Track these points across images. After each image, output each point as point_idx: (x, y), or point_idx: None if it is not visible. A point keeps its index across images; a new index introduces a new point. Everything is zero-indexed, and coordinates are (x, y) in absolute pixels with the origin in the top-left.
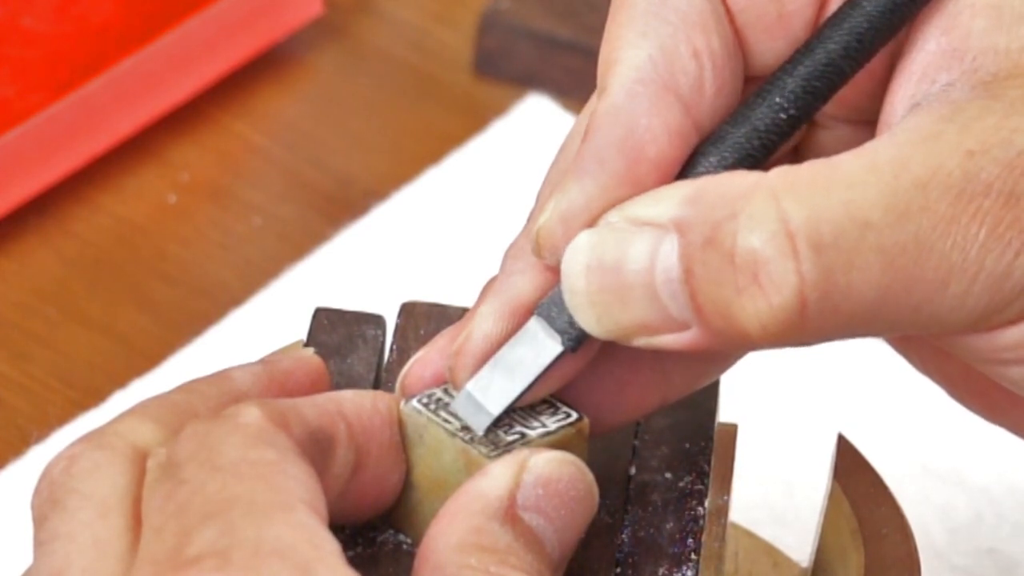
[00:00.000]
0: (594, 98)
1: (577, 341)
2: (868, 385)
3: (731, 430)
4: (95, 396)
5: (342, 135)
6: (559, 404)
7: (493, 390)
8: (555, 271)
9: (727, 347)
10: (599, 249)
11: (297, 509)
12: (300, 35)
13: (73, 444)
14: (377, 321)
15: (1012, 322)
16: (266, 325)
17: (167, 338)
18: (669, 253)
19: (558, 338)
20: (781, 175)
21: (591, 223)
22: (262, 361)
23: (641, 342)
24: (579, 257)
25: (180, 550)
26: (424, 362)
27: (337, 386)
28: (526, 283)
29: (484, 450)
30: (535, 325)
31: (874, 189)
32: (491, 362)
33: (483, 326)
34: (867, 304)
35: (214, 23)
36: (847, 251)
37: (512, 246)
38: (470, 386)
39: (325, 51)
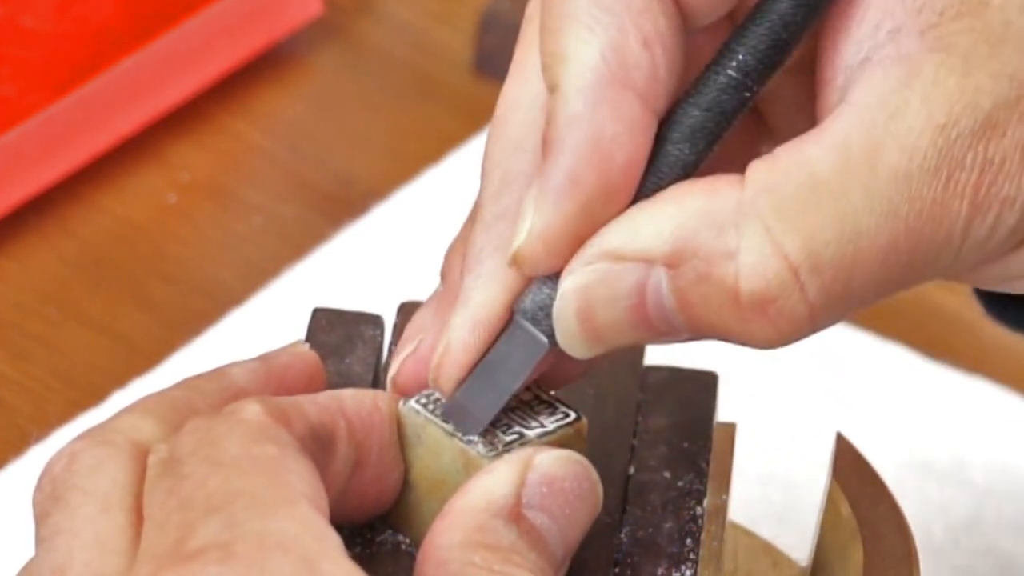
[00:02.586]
0: (516, 70)
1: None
2: (867, 384)
3: (730, 429)
4: (95, 396)
5: (342, 135)
6: (557, 404)
7: (482, 397)
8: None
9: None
10: (586, 294)
11: (299, 503)
12: (300, 35)
13: (74, 441)
14: (376, 321)
15: (999, 259)
16: (266, 325)
17: (167, 338)
18: (659, 286)
19: (543, 337)
20: (763, 195)
21: (574, 241)
22: (259, 357)
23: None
24: (569, 306)
25: (183, 543)
26: (417, 359)
27: (336, 386)
28: (498, 287)
29: (483, 450)
30: (519, 326)
31: (858, 194)
32: (478, 369)
33: (460, 336)
34: (869, 294)
35: (214, 23)
36: (847, 264)
37: (471, 252)
38: (459, 396)
39: (325, 51)
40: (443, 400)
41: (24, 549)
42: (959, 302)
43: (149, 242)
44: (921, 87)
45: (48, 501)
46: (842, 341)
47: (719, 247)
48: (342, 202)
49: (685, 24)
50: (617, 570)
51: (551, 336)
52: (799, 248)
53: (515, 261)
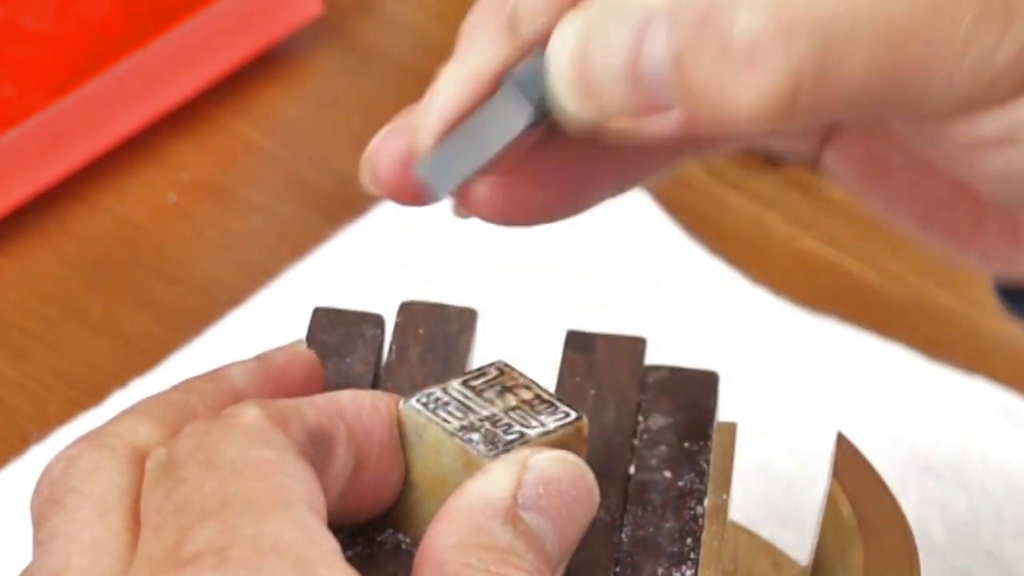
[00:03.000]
0: None
1: (547, 113)
2: (867, 384)
3: (730, 429)
4: (95, 396)
5: (342, 135)
6: (558, 403)
7: (457, 158)
8: (527, 43)
9: (709, 131)
10: (585, 33)
11: (296, 507)
12: (300, 35)
13: (72, 444)
14: (376, 320)
15: (997, 103)
16: (266, 325)
17: (167, 338)
18: (658, 37)
19: (530, 108)
20: None
21: None
22: (257, 357)
23: (620, 125)
24: (566, 42)
25: (179, 548)
26: (394, 132)
27: (336, 385)
28: (493, 52)
29: (483, 449)
30: (507, 91)
31: None
32: (459, 128)
33: (447, 90)
34: (856, 88)
35: (214, 23)
36: (840, 40)
37: (470, 20)
38: (436, 154)
39: (325, 51)
40: (444, 399)
41: (24, 550)
42: (959, 302)
43: (149, 242)
44: None
45: (46, 505)
46: (842, 341)
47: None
48: (342, 202)
49: None
50: (618, 569)
51: (537, 106)
52: (799, 8)
53: (514, 17)
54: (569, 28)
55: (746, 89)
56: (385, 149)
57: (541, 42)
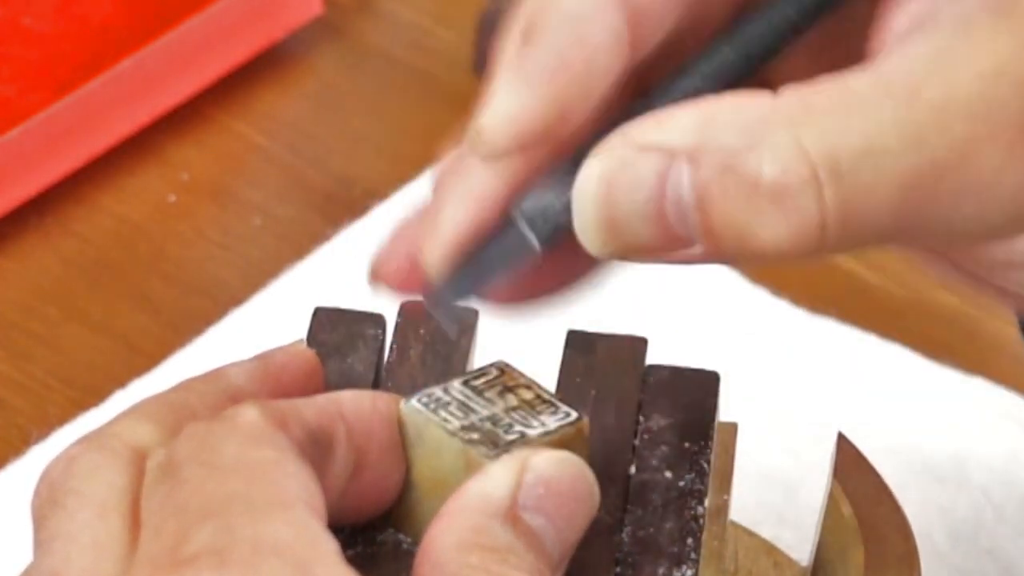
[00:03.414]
0: None
1: (553, 243)
2: (868, 385)
3: (731, 429)
4: (95, 396)
5: (342, 135)
6: (559, 404)
7: (461, 283)
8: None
9: (733, 261)
10: (607, 178)
11: (295, 508)
12: (300, 35)
13: (72, 445)
14: (377, 320)
15: None
16: (266, 325)
17: (167, 338)
18: (680, 179)
19: (536, 242)
20: (796, 102)
21: (539, 132)
22: (257, 357)
23: (644, 257)
24: (589, 187)
25: (178, 548)
26: (393, 252)
27: (337, 385)
28: (492, 178)
29: (484, 450)
30: (515, 226)
31: (890, 115)
32: (464, 262)
33: (452, 217)
34: (883, 224)
35: (214, 23)
36: (865, 179)
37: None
38: (440, 287)
39: (325, 51)
40: (445, 399)
41: (24, 550)
42: (959, 302)
43: (149, 242)
44: (974, 40)
45: (46, 506)
46: (842, 341)
47: (745, 141)
48: (342, 202)
49: None
50: (618, 570)
51: (545, 242)
52: (821, 149)
53: (474, 138)
54: (591, 172)
55: (771, 230)
56: (391, 264)
57: (543, 170)
